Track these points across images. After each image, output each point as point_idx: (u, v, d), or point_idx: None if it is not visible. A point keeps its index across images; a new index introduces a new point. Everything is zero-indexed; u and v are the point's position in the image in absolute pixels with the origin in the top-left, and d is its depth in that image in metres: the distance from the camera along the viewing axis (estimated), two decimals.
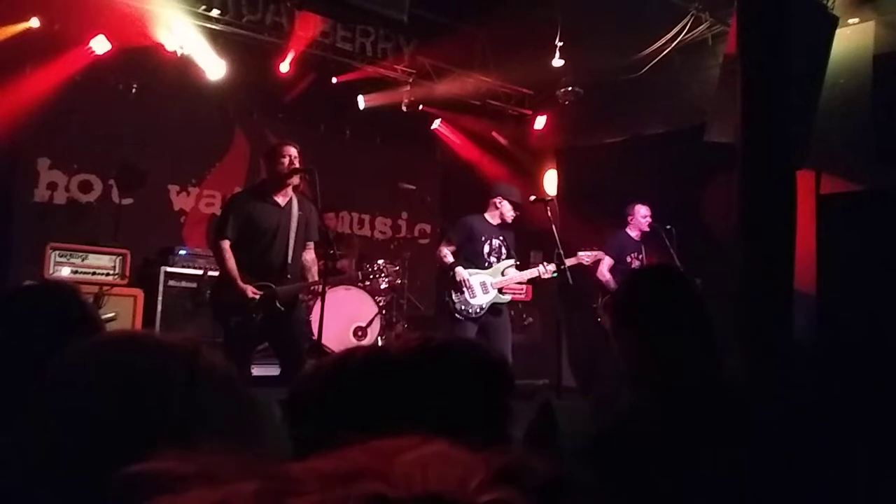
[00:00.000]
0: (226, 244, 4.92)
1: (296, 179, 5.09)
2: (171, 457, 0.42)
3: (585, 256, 6.32)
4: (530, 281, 6.47)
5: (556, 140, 9.42)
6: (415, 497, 0.36)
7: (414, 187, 9.13)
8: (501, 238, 6.20)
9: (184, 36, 7.23)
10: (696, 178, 6.97)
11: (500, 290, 6.06)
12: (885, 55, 6.24)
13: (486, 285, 6.00)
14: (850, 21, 6.40)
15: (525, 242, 9.24)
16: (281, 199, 5.08)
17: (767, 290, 3.08)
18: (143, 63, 7.49)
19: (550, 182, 9.33)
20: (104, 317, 5.72)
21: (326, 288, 5.07)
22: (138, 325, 6.24)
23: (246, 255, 4.93)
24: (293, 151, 5.05)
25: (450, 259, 5.99)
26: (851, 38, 6.33)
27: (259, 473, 0.39)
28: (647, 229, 7.07)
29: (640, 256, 7.13)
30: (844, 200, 6.41)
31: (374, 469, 0.38)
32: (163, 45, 7.21)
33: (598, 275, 6.92)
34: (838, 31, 5.73)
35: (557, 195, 8.75)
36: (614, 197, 7.76)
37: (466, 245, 6.04)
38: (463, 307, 5.90)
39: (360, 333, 7.41)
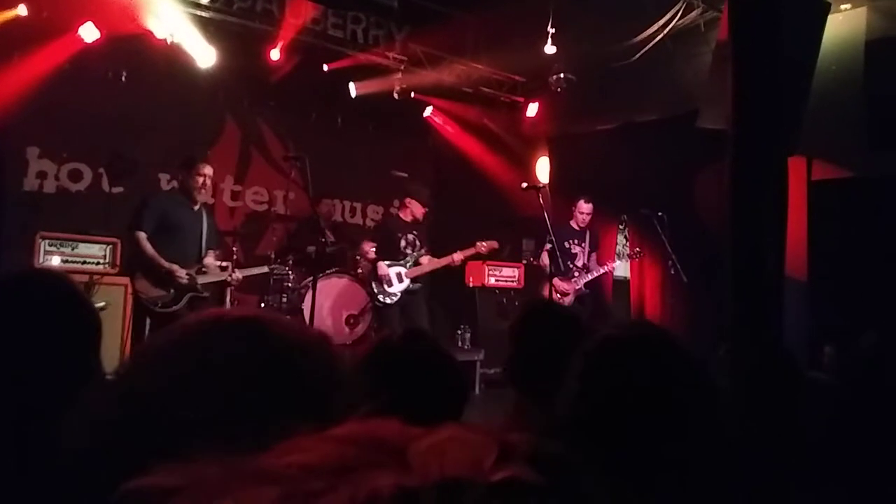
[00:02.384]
0: (142, 235, 5.38)
1: (206, 197, 5.76)
2: (160, 471, 0.42)
3: (482, 246, 7.30)
4: (445, 267, 7.37)
5: (548, 127, 9.41)
6: (433, 484, 0.36)
7: (406, 175, 9.10)
8: (415, 233, 7.11)
9: (173, 23, 7.17)
10: (688, 165, 6.98)
11: (413, 279, 7.04)
12: (878, 41, 6.23)
13: (401, 275, 6.92)
14: (843, 7, 6.38)
15: (516, 230, 9.26)
16: (194, 206, 5.63)
17: (759, 277, 3.09)
18: (133, 51, 7.42)
19: (542, 169, 9.32)
20: (95, 305, 5.74)
21: (317, 276, 5.16)
22: (129, 314, 6.22)
23: (164, 250, 5.39)
24: (208, 171, 5.58)
25: (372, 255, 6.94)
26: (843, 24, 6.32)
27: (266, 478, 0.38)
28: (584, 225, 7.59)
29: (583, 244, 7.61)
30: (836, 187, 6.42)
31: (383, 459, 0.38)
32: (152, 33, 7.15)
33: (540, 262, 7.54)
34: (830, 18, 5.71)
35: (549, 182, 8.75)
36: (606, 184, 7.75)
37: (385, 241, 6.91)
38: (382, 296, 6.89)
39: (352, 322, 7.41)
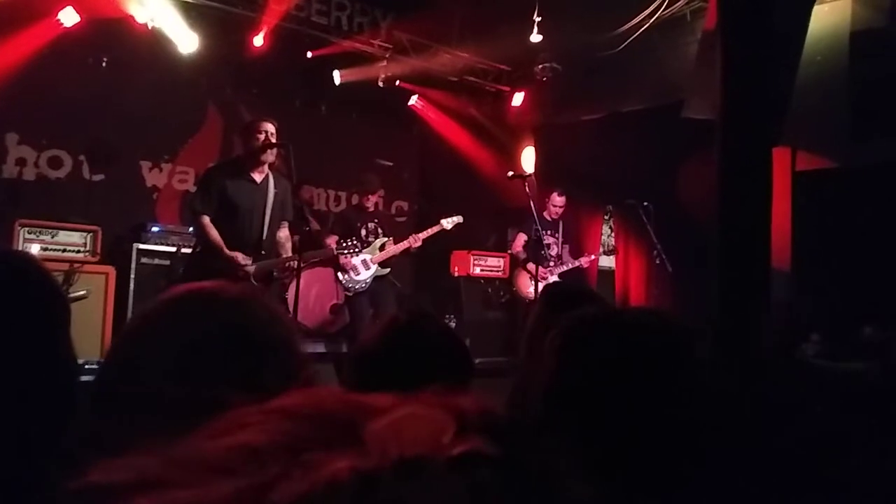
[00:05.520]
0: (206, 219, 4.91)
1: (271, 156, 5.05)
2: (102, 466, 0.40)
3: (447, 222, 7.26)
4: (404, 252, 7.26)
5: (533, 117, 9.38)
6: (392, 464, 0.35)
7: (391, 164, 9.06)
8: (376, 220, 7.12)
9: (155, 8, 7.07)
10: (673, 155, 6.98)
11: (380, 264, 6.96)
12: (862, 32, 6.25)
13: (367, 262, 6.86)
14: None
15: (503, 219, 9.25)
16: (257, 176, 5.06)
17: (744, 266, 3.09)
18: (114, 36, 7.32)
19: (528, 159, 9.30)
20: (76, 294, 5.65)
21: (301, 265, 5.03)
22: (110, 303, 6.15)
23: (220, 232, 4.91)
24: (269, 127, 5.01)
25: (335, 252, 6.76)
26: (829, 15, 6.33)
27: (216, 468, 0.37)
28: (556, 217, 7.66)
29: (556, 235, 7.66)
30: (820, 177, 6.44)
31: (334, 436, 0.38)
32: (133, 18, 7.04)
33: (512, 249, 7.66)
34: (816, 8, 5.73)
35: (535, 172, 8.73)
36: (592, 174, 7.75)
37: (347, 233, 6.76)
38: (351, 284, 6.80)
39: (336, 310, 7.38)
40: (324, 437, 0.38)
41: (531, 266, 7.09)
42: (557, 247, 7.73)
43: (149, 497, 0.36)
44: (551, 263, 7.52)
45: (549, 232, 7.63)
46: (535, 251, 6.85)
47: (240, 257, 4.85)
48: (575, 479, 0.42)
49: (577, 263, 7.68)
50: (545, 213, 7.63)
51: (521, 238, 7.65)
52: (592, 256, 7.84)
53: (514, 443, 0.39)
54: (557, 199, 7.65)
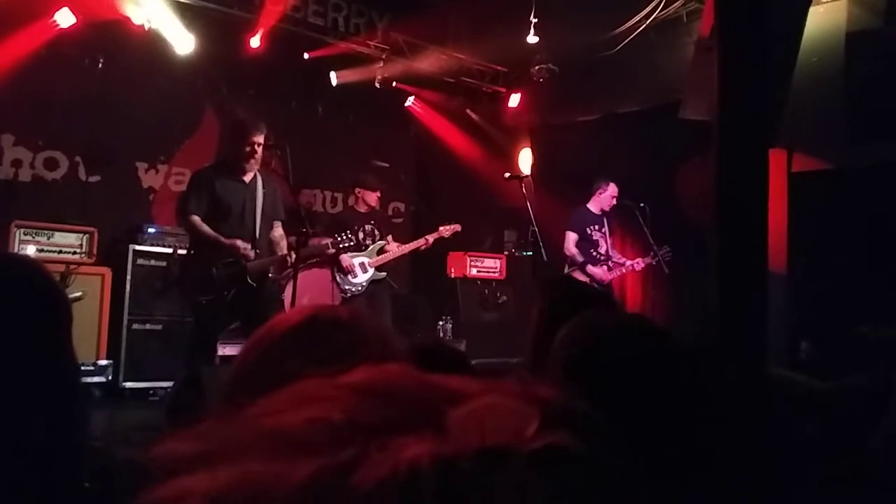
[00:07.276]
0: (196, 218, 4.92)
1: (256, 164, 5.09)
2: (180, 435, 0.40)
3: (445, 230, 7.21)
4: (413, 251, 7.26)
5: (530, 118, 9.39)
6: (473, 452, 0.35)
7: (387, 165, 9.05)
8: (373, 223, 7.04)
9: (151, 9, 7.06)
10: (669, 157, 6.99)
11: (377, 268, 6.95)
12: (858, 33, 6.25)
13: (365, 265, 6.86)
14: None
15: (499, 221, 9.25)
16: (246, 177, 5.09)
17: (741, 269, 3.08)
18: (110, 37, 7.30)
19: (525, 160, 9.32)
20: (72, 295, 5.64)
21: (299, 266, 5.03)
22: (106, 304, 6.14)
23: (217, 232, 4.92)
24: (259, 139, 5.01)
25: (332, 249, 6.47)
26: (824, 16, 6.34)
27: (293, 443, 0.36)
28: (608, 209, 7.25)
29: (603, 230, 7.29)
30: (816, 179, 6.44)
31: (411, 418, 0.37)
32: (129, 19, 7.04)
33: (565, 250, 7.10)
34: (811, 10, 5.74)
35: (532, 173, 8.75)
36: (589, 175, 7.75)
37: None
38: (347, 286, 6.82)
39: None
40: (400, 417, 0.37)
41: (591, 269, 6.91)
42: (605, 243, 7.25)
43: (228, 467, 0.36)
44: (610, 265, 7.13)
45: (596, 227, 7.25)
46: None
47: (239, 243, 4.87)
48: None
49: (631, 265, 7.23)
50: (590, 206, 7.25)
51: (572, 237, 7.12)
52: (642, 260, 7.30)
53: (596, 439, 0.39)
54: (613, 189, 7.14)
